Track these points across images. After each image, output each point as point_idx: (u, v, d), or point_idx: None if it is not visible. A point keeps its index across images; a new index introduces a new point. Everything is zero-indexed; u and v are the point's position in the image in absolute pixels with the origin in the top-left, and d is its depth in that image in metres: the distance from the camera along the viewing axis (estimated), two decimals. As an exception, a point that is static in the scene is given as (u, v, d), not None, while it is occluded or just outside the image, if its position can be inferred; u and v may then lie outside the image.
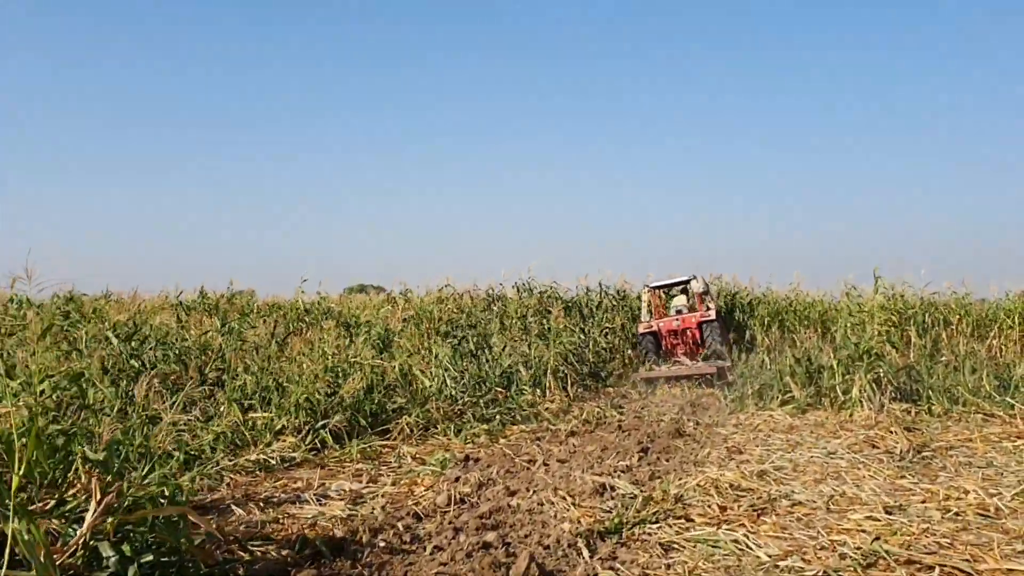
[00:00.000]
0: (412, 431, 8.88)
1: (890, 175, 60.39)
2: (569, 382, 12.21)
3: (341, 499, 6.20)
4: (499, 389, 10.06)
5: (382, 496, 6.29)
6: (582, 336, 16.58)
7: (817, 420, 10.04)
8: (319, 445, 8.09)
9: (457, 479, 6.73)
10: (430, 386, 9.47)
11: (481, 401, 9.85)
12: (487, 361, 10.96)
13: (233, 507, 5.84)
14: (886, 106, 63.49)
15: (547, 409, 11.28)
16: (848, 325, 16.89)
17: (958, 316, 16.97)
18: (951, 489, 6.18)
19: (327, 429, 8.16)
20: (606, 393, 13.46)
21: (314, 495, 6.25)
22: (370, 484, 6.81)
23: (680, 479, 6.66)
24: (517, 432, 9.31)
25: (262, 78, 73.57)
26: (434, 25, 72.99)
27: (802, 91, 65.41)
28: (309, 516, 5.65)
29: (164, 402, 7.46)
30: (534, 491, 6.15)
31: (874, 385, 10.78)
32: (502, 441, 8.71)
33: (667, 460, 7.63)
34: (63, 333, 10.12)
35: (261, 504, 5.97)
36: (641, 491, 6.15)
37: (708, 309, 16.78)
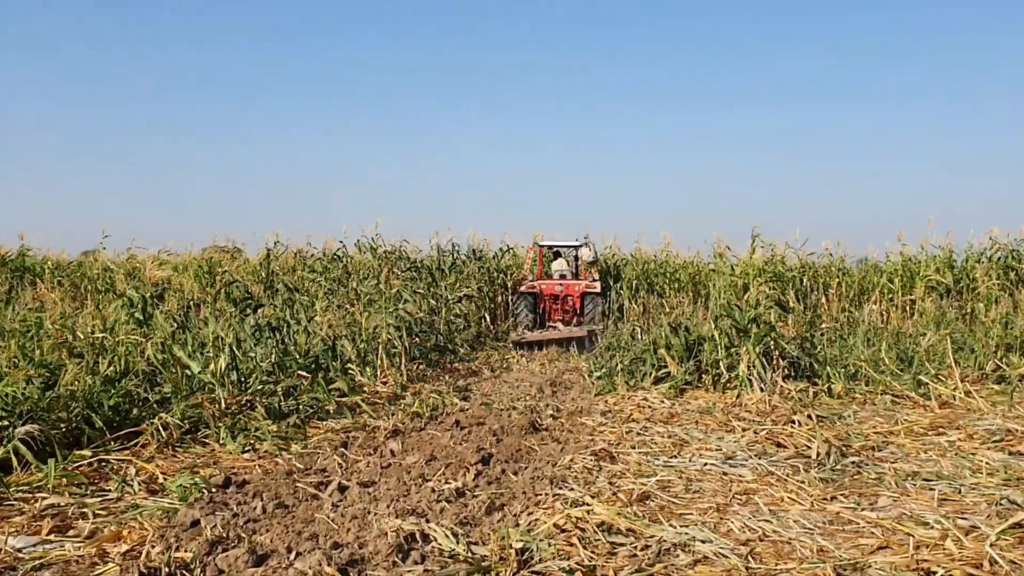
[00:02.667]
0: (171, 435, 6.40)
1: (762, 134, 60.65)
2: (405, 359, 9.95)
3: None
4: (303, 372, 7.66)
5: (50, 567, 3.86)
6: (433, 302, 14.36)
7: (701, 405, 8.21)
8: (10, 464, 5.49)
9: (193, 524, 4.36)
10: (199, 372, 6.97)
11: (279, 389, 7.44)
12: (293, 335, 8.53)
13: None
14: (758, 58, 63.62)
15: (376, 394, 9.00)
16: (723, 288, 15.44)
17: (837, 280, 15.76)
18: (909, 524, 4.33)
19: (24, 438, 5.54)
20: (455, 370, 11.27)
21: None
22: (55, 535, 4.36)
23: (529, 512, 4.55)
24: (323, 432, 6.98)
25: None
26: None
27: (664, 40, 64.69)
28: None
29: None
30: (297, 552, 3.87)
31: (763, 360, 9.07)
32: (295, 447, 6.36)
33: (515, 474, 5.52)
34: None
35: None
36: (468, 545, 3.99)
37: (594, 280, 16.02)
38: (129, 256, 16.87)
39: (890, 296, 15.42)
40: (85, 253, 19.80)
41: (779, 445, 6.42)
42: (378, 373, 9.80)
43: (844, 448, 6.22)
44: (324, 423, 7.26)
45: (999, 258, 14.71)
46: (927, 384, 8.75)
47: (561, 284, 16.09)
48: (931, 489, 5.09)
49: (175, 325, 7.88)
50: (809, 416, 7.30)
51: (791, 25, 61.88)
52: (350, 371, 9.67)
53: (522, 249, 18.68)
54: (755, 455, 6.02)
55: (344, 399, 7.93)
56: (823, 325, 13.55)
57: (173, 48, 63.00)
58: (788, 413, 7.48)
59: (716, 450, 6.22)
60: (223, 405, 7.08)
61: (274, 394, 7.45)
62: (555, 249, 17.74)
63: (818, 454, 5.97)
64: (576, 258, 17.36)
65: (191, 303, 10.77)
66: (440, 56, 64.16)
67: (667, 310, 15.59)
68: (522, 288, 16.01)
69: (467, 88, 63.82)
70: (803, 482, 5.29)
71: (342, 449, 6.20)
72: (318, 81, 63.69)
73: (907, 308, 15.16)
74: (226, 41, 62.45)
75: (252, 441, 6.48)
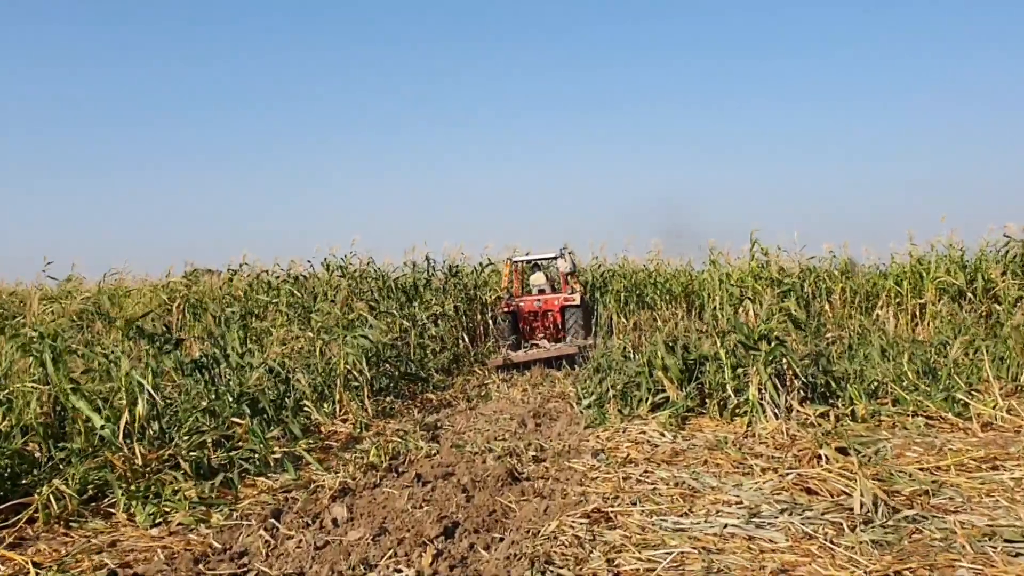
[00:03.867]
0: (66, 506, 5.20)
1: (748, 132, 59.38)
2: (368, 393, 8.74)
3: None
4: (236, 419, 6.43)
5: None
6: (408, 323, 13.15)
7: (709, 439, 7.06)
8: None
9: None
10: (101, 427, 5.75)
11: (208, 440, 6.23)
12: (227, 374, 7.31)
13: None
14: (752, 54, 62.45)
15: (333, 436, 7.81)
16: (722, 299, 14.33)
17: (840, 284, 14.65)
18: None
19: None
20: (426, 402, 10.06)
21: None
22: None
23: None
24: (257, 492, 5.77)
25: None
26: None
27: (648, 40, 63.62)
28: None
29: None
30: None
31: (776, 381, 7.94)
32: (216, 518, 5.15)
33: (487, 549, 4.34)
34: None
35: None
36: None
37: (572, 292, 14.88)
38: (70, 282, 15.55)
39: (898, 300, 14.34)
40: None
41: (810, 492, 5.28)
42: (337, 410, 8.61)
43: (889, 493, 5.08)
44: (261, 479, 6.04)
45: (1016, 256, 13.64)
46: (963, 402, 7.66)
47: (539, 299, 15.03)
48: (1020, 554, 3.96)
49: (88, 366, 6.66)
50: (839, 450, 6.18)
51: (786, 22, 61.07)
52: (306, 408, 8.50)
53: (499, 263, 17.54)
54: (784, 509, 4.86)
55: (291, 448, 6.72)
56: (827, 335, 12.47)
57: (174, 53, 61.56)
58: (812, 446, 6.34)
59: (736, 503, 5.06)
60: (139, 463, 5.88)
61: (202, 446, 6.23)
62: (534, 262, 16.65)
63: (862, 505, 4.82)
64: (544, 269, 16.33)
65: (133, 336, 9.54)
66: (428, 62, 62.94)
67: (659, 324, 14.45)
68: (502, 307, 14.93)
69: (449, 96, 62.49)
70: (852, 548, 4.14)
71: (272, 520, 4.98)
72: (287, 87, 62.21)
73: (917, 313, 14.09)
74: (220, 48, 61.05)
75: (167, 510, 5.27)
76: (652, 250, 17.69)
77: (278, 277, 15.69)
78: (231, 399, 6.52)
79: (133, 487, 5.50)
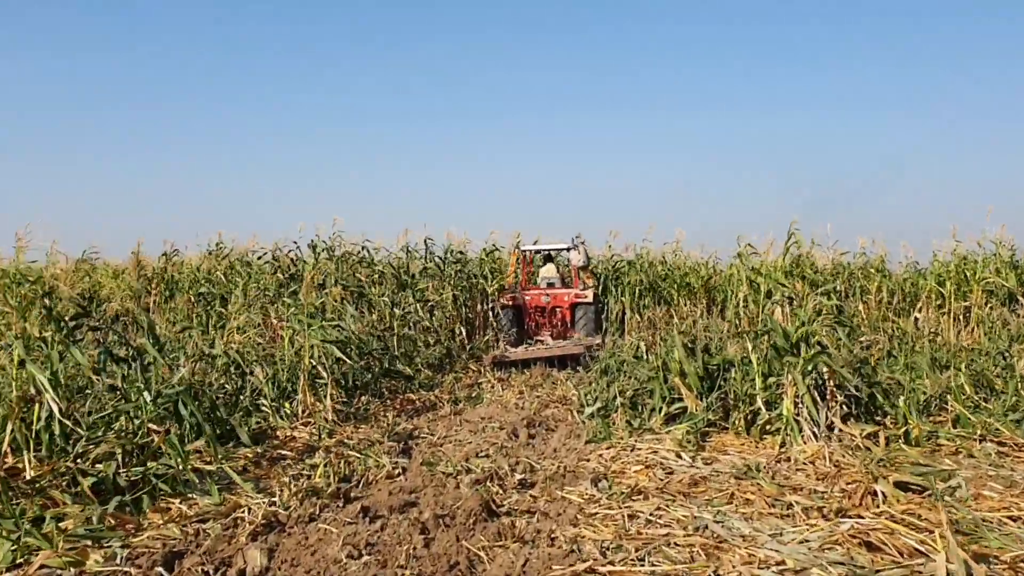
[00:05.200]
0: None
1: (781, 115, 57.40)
2: (335, 392, 7.53)
3: None
4: (153, 427, 5.20)
5: None
6: (398, 311, 11.95)
7: (735, 463, 5.83)
8: None
9: None
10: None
11: (119, 451, 5.04)
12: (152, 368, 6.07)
13: None
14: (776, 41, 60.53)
15: (289, 444, 6.61)
16: (746, 295, 13.01)
17: (876, 283, 13.29)
18: None
19: None
20: (407, 403, 8.82)
21: None
22: None
23: None
24: (166, 519, 4.57)
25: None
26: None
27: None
28: None
29: None
30: None
31: (816, 393, 6.69)
32: (94, 560, 3.96)
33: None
34: None
35: None
36: None
37: (585, 287, 13.74)
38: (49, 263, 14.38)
39: (939, 302, 13.00)
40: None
41: (871, 547, 4.03)
42: (300, 412, 7.42)
43: (978, 556, 3.83)
44: (176, 502, 4.84)
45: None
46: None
47: (548, 294, 13.79)
48: None
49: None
50: (899, 485, 4.94)
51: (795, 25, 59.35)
52: (264, 409, 7.32)
53: (503, 251, 16.24)
54: (843, 576, 3.62)
55: (229, 459, 5.52)
56: (861, 338, 11.17)
57: (174, 47, 60.60)
58: (864, 479, 5.11)
59: (776, 563, 3.82)
60: (27, 478, 4.72)
61: (111, 458, 5.05)
62: (545, 253, 15.40)
63: (949, 573, 3.57)
64: (568, 262, 15.02)
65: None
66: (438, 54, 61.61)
67: (676, 321, 13.17)
68: (503, 300, 13.71)
69: (462, 85, 61.15)
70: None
71: (160, 571, 3.78)
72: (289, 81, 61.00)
73: (961, 317, 12.74)
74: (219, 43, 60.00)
75: (40, 542, 4.07)
76: (675, 239, 16.33)
77: (260, 258, 14.47)
78: (147, 400, 5.31)
79: (7, 512, 4.32)
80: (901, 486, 5.05)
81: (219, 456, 5.41)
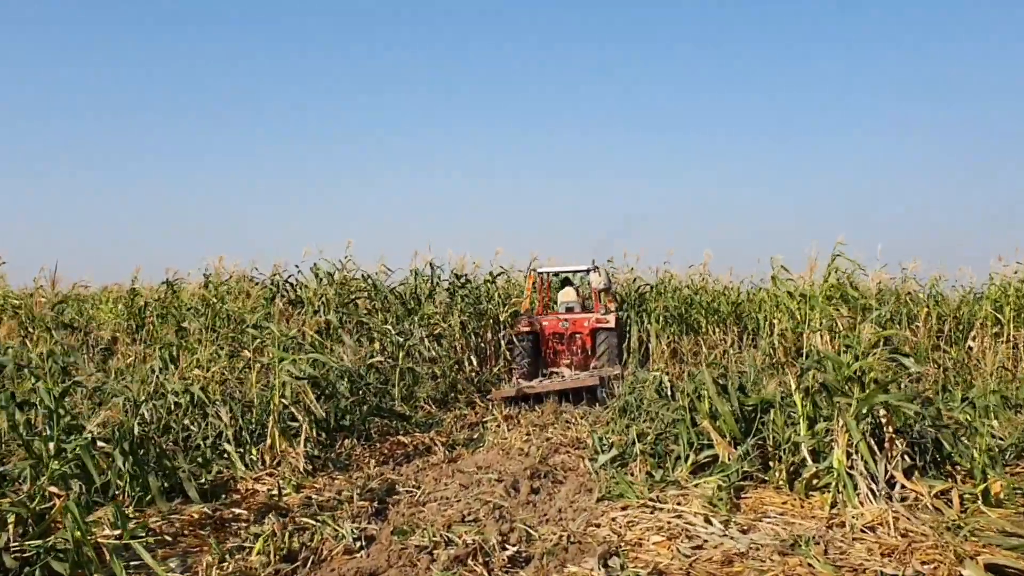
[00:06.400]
0: None
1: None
2: (308, 436, 6.51)
3: None
4: (55, 489, 4.20)
5: None
6: (400, 339, 10.94)
7: (778, 532, 4.73)
8: None
9: None
10: None
11: (11, 520, 4.06)
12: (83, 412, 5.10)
13: None
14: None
15: (247, 499, 5.62)
16: (780, 322, 11.88)
17: (926, 309, 12.08)
18: None
19: None
20: (396, 447, 7.77)
21: None
22: None
23: None
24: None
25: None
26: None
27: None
28: None
29: None
30: None
31: (872, 441, 5.58)
32: None
33: None
34: None
35: None
36: None
37: (606, 312, 12.68)
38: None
39: (995, 330, 11.77)
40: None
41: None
42: (267, 460, 6.43)
43: None
44: (76, 588, 3.85)
45: None
46: None
47: (566, 319, 12.73)
48: None
49: None
50: (991, 569, 3.85)
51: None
52: (227, 455, 6.35)
53: (519, 274, 15.16)
54: None
55: (149, 529, 4.52)
56: (908, 369, 9.99)
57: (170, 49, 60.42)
58: (943, 557, 4.04)
59: None
60: None
61: (1, 528, 4.07)
62: (563, 276, 14.36)
63: None
64: (574, 284, 14.02)
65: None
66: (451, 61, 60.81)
67: (704, 351, 12.07)
68: (520, 327, 12.67)
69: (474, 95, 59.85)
70: None
71: None
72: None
73: (1021, 346, 11.50)
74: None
75: None
76: (703, 261, 15.14)
77: (257, 284, 13.54)
78: (48, 455, 4.33)
79: None
80: (996, 569, 3.96)
81: (130, 527, 4.37)
